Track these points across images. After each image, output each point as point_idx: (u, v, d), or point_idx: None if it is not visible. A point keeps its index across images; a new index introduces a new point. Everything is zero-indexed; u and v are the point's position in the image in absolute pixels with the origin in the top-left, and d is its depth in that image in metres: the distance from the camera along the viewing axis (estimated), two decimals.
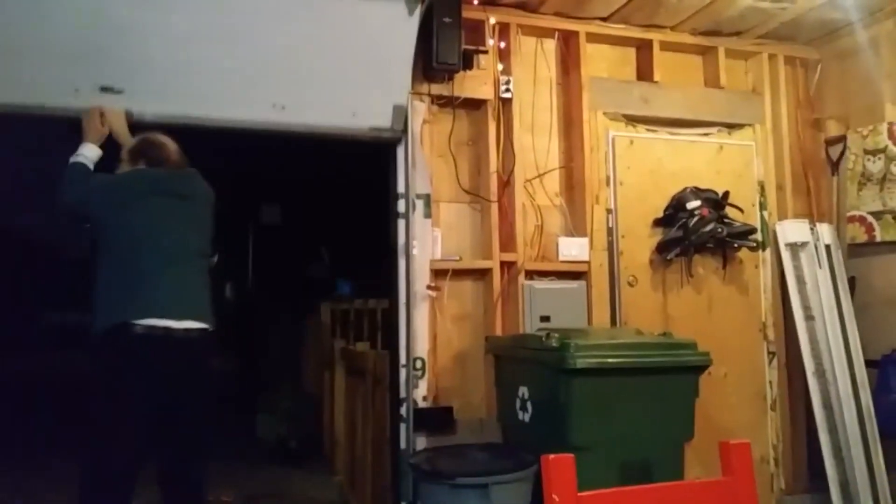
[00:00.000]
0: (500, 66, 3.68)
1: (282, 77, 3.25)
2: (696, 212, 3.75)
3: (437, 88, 3.57)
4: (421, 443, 3.34)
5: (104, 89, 3.01)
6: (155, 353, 2.48)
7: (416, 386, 3.38)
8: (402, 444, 3.32)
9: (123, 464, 2.45)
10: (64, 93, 2.96)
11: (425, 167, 3.51)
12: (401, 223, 3.43)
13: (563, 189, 3.82)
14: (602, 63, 3.93)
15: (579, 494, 1.20)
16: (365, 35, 3.29)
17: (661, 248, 3.79)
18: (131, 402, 2.47)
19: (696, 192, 3.82)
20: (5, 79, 2.91)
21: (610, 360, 2.69)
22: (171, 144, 2.83)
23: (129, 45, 2.99)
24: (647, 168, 3.87)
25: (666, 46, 3.99)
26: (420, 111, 3.52)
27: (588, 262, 3.68)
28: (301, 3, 3.20)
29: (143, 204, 2.63)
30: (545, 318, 3.52)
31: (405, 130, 3.43)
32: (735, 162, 4.04)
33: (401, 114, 3.42)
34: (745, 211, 3.91)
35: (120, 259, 2.58)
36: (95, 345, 2.51)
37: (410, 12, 3.25)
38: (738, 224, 3.83)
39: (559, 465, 1.19)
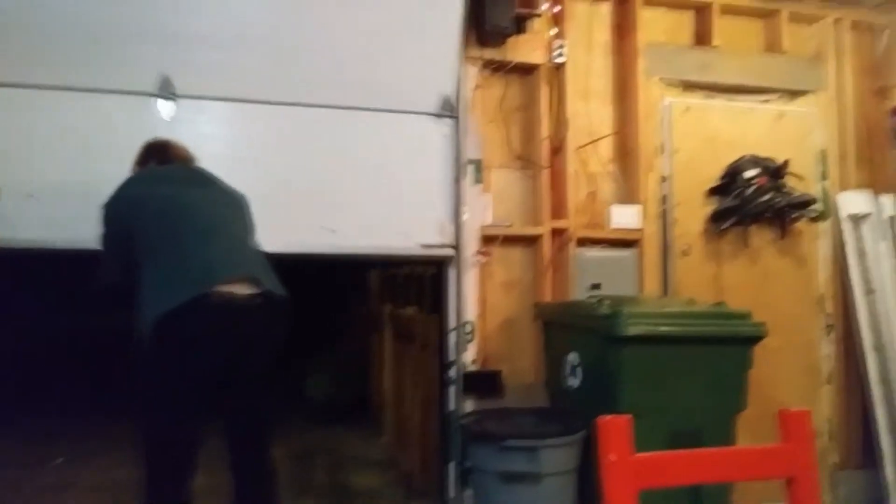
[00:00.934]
0: (553, 31, 3.62)
1: (331, 200, 3.28)
2: (754, 181, 3.66)
3: (489, 53, 3.53)
4: (468, 406, 3.38)
5: None
6: (223, 320, 2.29)
7: (465, 350, 3.41)
8: (451, 407, 3.36)
9: (191, 432, 2.35)
10: None
11: (476, 133, 3.49)
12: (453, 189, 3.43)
13: (616, 156, 3.76)
14: (658, 27, 3.83)
15: (636, 455, 1.21)
16: (408, 152, 3.36)
17: (716, 218, 3.72)
18: (201, 370, 2.32)
19: (754, 160, 3.72)
20: None
21: (662, 328, 2.67)
22: (176, 142, 2.72)
23: None
24: (704, 135, 3.78)
25: (726, 10, 3.87)
26: (471, 76, 3.50)
27: (640, 231, 3.64)
28: (345, 119, 3.26)
29: (165, 194, 2.46)
30: (595, 286, 3.51)
31: (457, 99, 3.41)
32: (795, 130, 3.92)
33: (449, 231, 3.42)
34: (804, 181, 3.81)
35: (161, 252, 2.37)
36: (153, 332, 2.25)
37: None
38: (797, 194, 3.74)
39: (616, 427, 1.20)
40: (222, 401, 2.42)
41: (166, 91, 3.06)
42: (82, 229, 2.64)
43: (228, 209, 2.59)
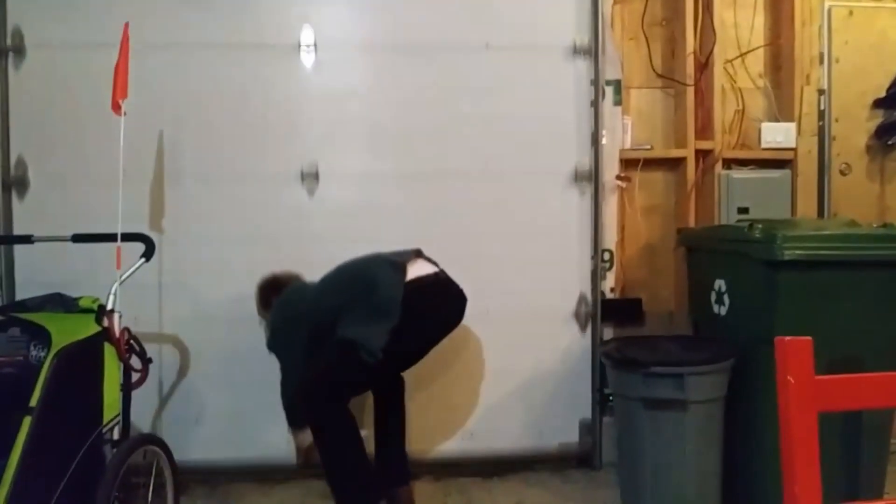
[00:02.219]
0: None
1: (467, 407, 3.32)
2: None
3: None
4: (608, 334, 3.35)
5: None
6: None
7: (604, 277, 3.36)
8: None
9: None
10: None
11: (615, 51, 3.34)
12: (590, 111, 3.32)
13: (769, 69, 3.51)
14: None
15: (818, 378, 1.15)
16: (548, 355, 3.34)
17: (882, 133, 3.42)
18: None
19: None
20: None
21: (822, 251, 2.50)
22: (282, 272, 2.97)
23: None
24: (869, 42, 3.45)
25: None
26: None
27: (794, 150, 3.41)
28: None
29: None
30: (743, 210, 3.34)
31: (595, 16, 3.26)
32: None
33: (587, 429, 3.36)
34: None
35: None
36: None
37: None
38: None
39: (796, 348, 1.14)
40: None
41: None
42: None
43: None
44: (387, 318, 2.47)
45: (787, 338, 1.15)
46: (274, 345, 2.77)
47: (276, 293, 2.83)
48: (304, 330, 2.66)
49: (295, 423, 2.83)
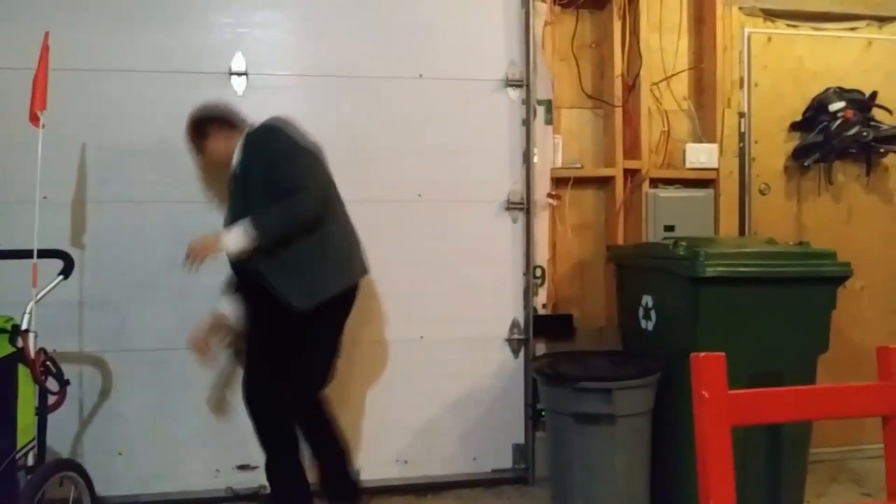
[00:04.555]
0: None
1: (402, 433, 3.32)
2: (840, 114, 3.48)
3: None
4: (540, 349, 3.39)
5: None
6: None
7: (536, 294, 3.40)
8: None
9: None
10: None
11: (546, 72, 3.41)
12: (522, 129, 3.37)
13: (692, 92, 3.62)
14: None
15: (730, 392, 1.18)
16: (481, 380, 3.38)
17: (799, 154, 3.57)
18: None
19: (840, 92, 3.54)
20: None
21: (742, 268, 2.59)
22: None
23: None
24: (786, 68, 3.60)
25: None
26: (542, 13, 3.39)
27: (717, 170, 3.51)
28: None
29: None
30: (669, 228, 3.43)
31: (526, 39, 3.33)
32: (885, 59, 3.69)
33: (520, 453, 3.41)
34: (894, 113, 3.59)
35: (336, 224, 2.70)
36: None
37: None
38: (886, 127, 3.53)
39: (710, 364, 1.18)
40: None
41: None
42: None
43: None
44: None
45: (702, 353, 1.18)
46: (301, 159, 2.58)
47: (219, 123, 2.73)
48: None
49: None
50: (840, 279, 2.70)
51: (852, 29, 3.70)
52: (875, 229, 3.68)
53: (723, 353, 1.19)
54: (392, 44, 3.29)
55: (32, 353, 2.23)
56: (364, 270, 2.77)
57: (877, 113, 3.55)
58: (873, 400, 1.33)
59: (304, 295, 2.54)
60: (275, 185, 2.47)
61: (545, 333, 3.43)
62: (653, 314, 2.92)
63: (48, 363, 2.33)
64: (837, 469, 3.47)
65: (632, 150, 3.49)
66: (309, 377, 2.68)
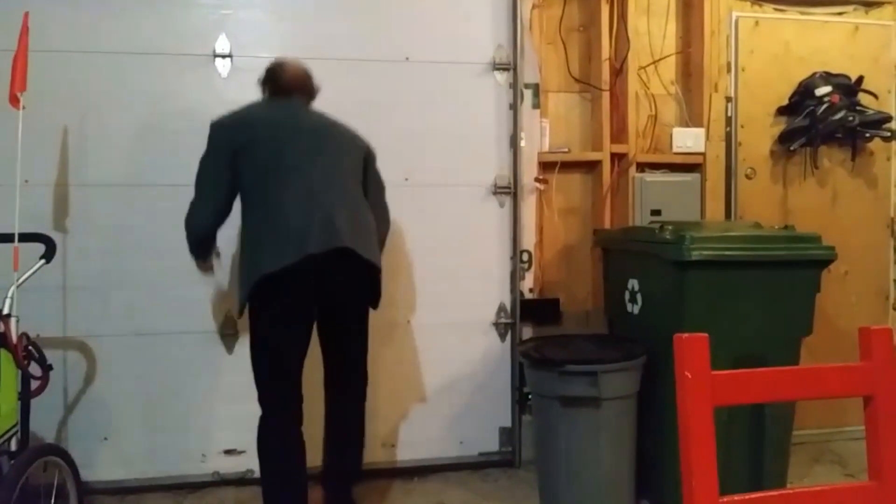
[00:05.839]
0: None
1: (389, 417, 3.32)
2: (826, 99, 3.49)
3: None
4: (527, 333, 3.40)
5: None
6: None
7: (523, 278, 3.40)
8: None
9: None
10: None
11: (534, 55, 3.39)
12: (509, 113, 3.36)
13: (680, 77, 3.62)
14: None
15: (714, 373, 1.19)
16: (469, 365, 3.38)
17: (785, 139, 3.58)
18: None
19: (827, 77, 3.54)
20: None
21: (728, 252, 2.60)
22: (292, 67, 2.63)
23: None
24: (773, 52, 3.60)
25: None
26: None
27: (703, 154, 3.52)
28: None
29: (274, 142, 2.42)
30: (656, 212, 3.43)
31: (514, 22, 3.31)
32: (871, 44, 3.70)
33: (507, 436, 3.41)
34: (880, 98, 3.61)
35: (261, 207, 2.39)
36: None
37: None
38: (871, 112, 3.55)
39: (693, 344, 1.18)
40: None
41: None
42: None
43: (335, 171, 2.51)
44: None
45: (685, 334, 1.19)
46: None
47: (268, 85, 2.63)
48: None
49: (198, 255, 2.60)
50: (824, 263, 2.71)
51: (839, 14, 3.71)
52: (859, 214, 3.70)
53: (706, 335, 1.19)
54: (379, 26, 3.26)
55: (14, 338, 2.21)
56: (327, 243, 2.30)
57: (863, 98, 3.57)
58: (855, 380, 1.34)
59: (240, 288, 2.37)
60: None
61: (532, 317, 3.43)
62: (639, 298, 2.93)
63: (30, 348, 2.31)
64: (820, 450, 3.51)
65: (619, 134, 3.49)
66: (254, 371, 2.44)
